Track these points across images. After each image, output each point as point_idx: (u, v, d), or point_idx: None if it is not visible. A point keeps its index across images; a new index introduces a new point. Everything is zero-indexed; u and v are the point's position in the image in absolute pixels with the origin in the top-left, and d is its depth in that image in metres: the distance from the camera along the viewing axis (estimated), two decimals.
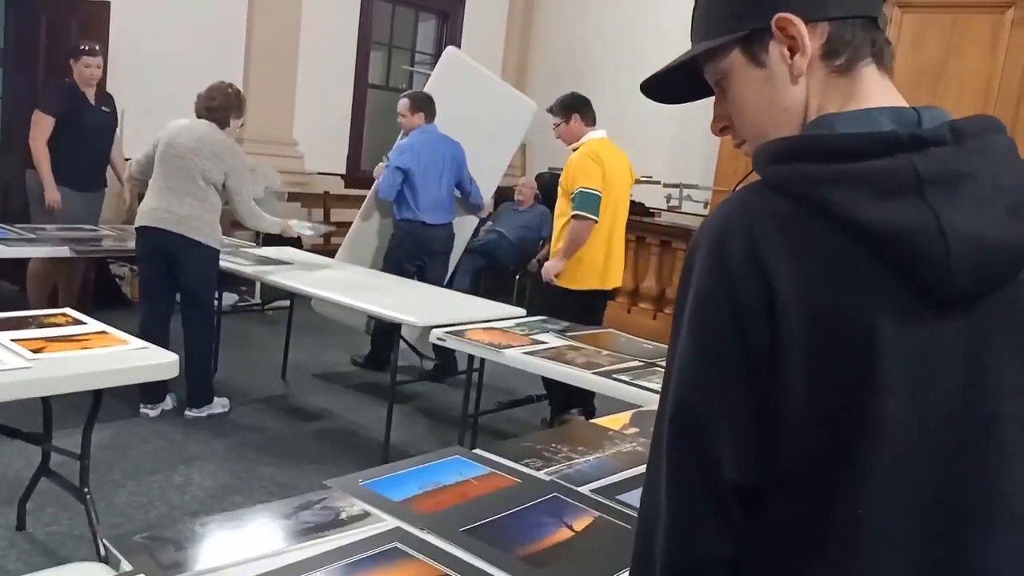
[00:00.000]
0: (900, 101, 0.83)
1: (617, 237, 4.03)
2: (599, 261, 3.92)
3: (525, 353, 2.87)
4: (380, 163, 5.02)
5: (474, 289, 7.22)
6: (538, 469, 1.81)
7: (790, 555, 0.77)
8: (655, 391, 2.59)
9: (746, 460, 0.76)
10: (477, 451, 1.88)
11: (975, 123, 0.78)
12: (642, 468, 1.87)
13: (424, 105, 4.72)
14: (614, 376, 2.71)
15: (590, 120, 4.00)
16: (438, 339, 3.05)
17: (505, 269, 7.13)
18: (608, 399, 2.67)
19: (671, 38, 7.57)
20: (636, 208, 6.39)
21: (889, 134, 0.77)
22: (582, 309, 3.81)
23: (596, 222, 3.82)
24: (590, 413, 3.59)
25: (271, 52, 6.79)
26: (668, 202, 5.60)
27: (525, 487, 1.71)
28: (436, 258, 4.72)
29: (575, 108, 4.01)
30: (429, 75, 5.36)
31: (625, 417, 2.27)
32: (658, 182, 5.62)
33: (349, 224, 7.72)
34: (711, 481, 0.77)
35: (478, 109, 5.17)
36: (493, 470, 1.78)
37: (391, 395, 3.44)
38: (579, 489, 1.72)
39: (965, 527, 0.76)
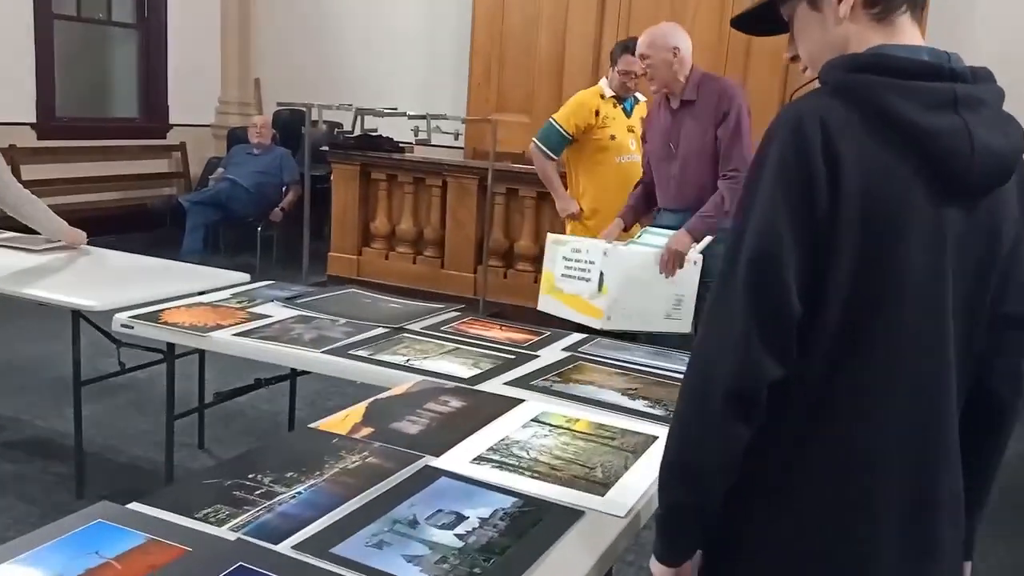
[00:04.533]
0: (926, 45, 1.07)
1: None
2: None
3: (237, 335, 2.28)
4: None
5: (211, 247, 6.39)
6: (221, 522, 1.27)
7: (820, 390, 1.02)
8: (401, 367, 2.11)
9: (804, 297, 0.99)
10: (134, 506, 1.32)
11: (983, 71, 1.06)
12: (374, 491, 1.40)
13: None
14: (350, 353, 2.20)
15: None
16: (123, 326, 2.37)
17: (243, 221, 6.33)
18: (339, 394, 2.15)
19: None
20: (385, 143, 5.87)
21: (936, 64, 1.02)
22: None
23: None
24: None
25: None
26: (416, 135, 5.10)
27: (197, 559, 1.17)
28: None
29: None
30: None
31: (358, 412, 1.77)
32: (403, 114, 5.08)
33: (44, 182, 6.52)
34: (781, 307, 0.98)
35: None
36: (152, 536, 1.23)
37: (76, 394, 2.71)
38: (277, 548, 1.21)
39: (940, 360, 1.05)
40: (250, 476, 1.42)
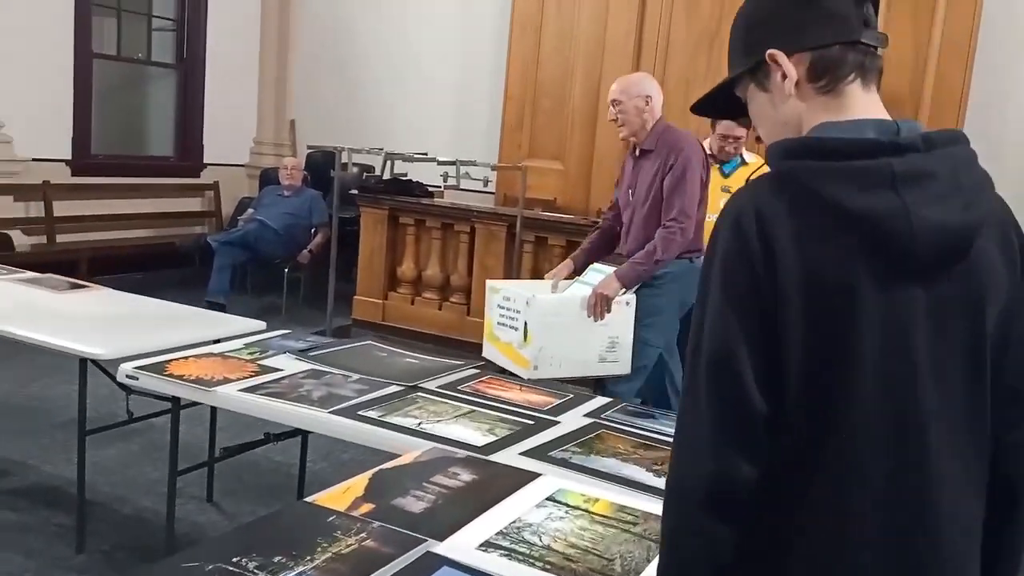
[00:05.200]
0: (882, 113, 1.05)
1: None
2: None
3: (243, 390, 2.18)
4: None
5: (238, 288, 6.36)
6: None
7: (793, 478, 0.98)
8: (412, 431, 2.00)
9: (766, 393, 0.96)
10: None
11: (942, 135, 1.01)
12: None
13: None
14: (359, 414, 2.09)
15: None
16: (128, 376, 2.29)
17: (271, 262, 6.29)
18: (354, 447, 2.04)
19: (441, 5, 7.09)
20: (415, 188, 5.82)
21: (874, 140, 0.99)
22: None
23: None
24: None
25: None
26: (445, 181, 5.03)
27: None
28: None
29: None
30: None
31: (359, 484, 1.65)
32: (433, 159, 5.02)
33: (77, 218, 6.53)
34: (745, 409, 0.96)
35: None
36: None
37: (80, 445, 2.63)
38: None
39: (915, 445, 0.98)
40: (234, 560, 1.30)
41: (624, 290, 3.12)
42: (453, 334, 5.40)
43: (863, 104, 1.03)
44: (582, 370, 3.04)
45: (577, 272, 3.36)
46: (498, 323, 3.11)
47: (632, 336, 3.13)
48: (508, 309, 3.08)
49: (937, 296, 0.98)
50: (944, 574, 1.00)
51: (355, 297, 5.81)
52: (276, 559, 1.32)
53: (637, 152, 3.35)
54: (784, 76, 1.04)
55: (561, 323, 3.02)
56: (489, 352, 3.19)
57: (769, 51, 1.04)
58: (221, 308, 5.70)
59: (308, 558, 1.33)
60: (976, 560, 1.03)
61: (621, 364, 3.12)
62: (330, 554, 1.35)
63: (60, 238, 6.37)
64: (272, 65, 7.85)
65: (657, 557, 1.43)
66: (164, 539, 2.48)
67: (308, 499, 1.57)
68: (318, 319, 5.68)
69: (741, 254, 0.96)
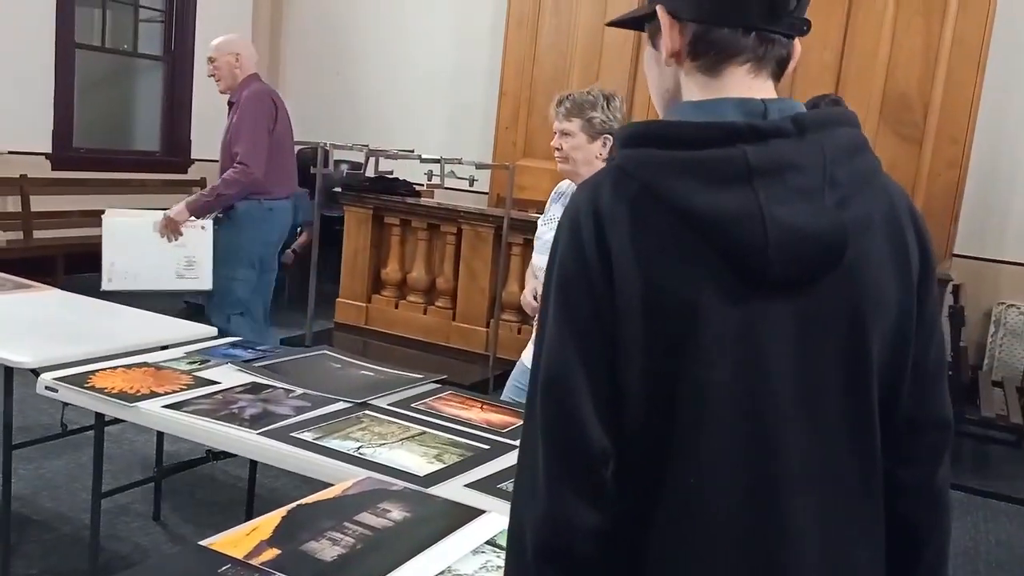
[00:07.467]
0: (762, 93, 0.86)
1: None
2: None
3: (167, 406, 1.96)
4: None
5: None
6: None
7: (632, 523, 0.82)
8: (347, 456, 1.78)
9: (607, 428, 0.81)
10: None
11: (819, 116, 0.83)
12: None
13: None
14: (291, 436, 1.87)
15: None
16: (47, 388, 2.07)
17: None
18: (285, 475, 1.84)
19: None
20: (400, 187, 5.62)
21: (728, 124, 0.82)
22: None
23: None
24: None
25: None
26: (429, 179, 4.81)
27: None
28: None
29: None
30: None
31: (269, 524, 1.43)
32: (417, 157, 4.80)
33: (58, 213, 6.33)
34: (581, 444, 0.81)
35: None
36: None
37: (5, 459, 2.42)
38: None
39: (778, 494, 0.82)
40: None
41: (193, 217, 3.60)
42: (438, 340, 5.19)
43: (742, 87, 0.86)
44: (160, 283, 3.51)
45: None
46: None
47: (211, 256, 3.61)
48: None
49: (804, 312, 0.82)
50: None
51: (338, 300, 5.60)
52: None
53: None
54: (667, 40, 0.88)
55: (135, 241, 3.51)
56: None
57: (659, 5, 0.88)
58: (200, 309, 5.49)
59: None
60: None
61: (201, 280, 3.61)
62: None
63: (37, 234, 6.17)
64: (263, 59, 7.63)
65: None
66: (90, 567, 2.27)
67: (204, 542, 1.35)
68: (302, 322, 5.47)
69: (577, 263, 0.81)
